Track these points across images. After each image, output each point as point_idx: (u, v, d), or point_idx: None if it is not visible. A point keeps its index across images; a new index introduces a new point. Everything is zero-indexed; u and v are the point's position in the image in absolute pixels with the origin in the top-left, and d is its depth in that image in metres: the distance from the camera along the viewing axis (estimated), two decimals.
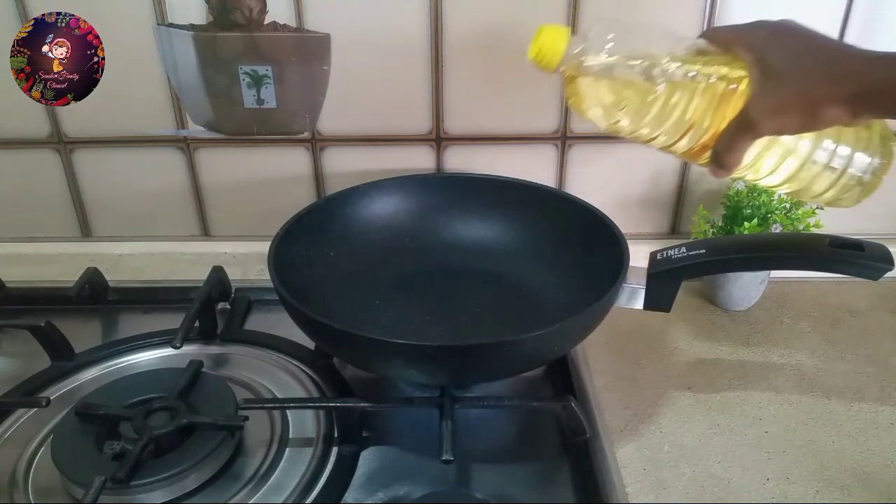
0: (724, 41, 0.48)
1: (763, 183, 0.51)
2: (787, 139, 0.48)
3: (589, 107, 0.50)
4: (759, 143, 0.47)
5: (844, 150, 0.48)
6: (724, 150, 0.47)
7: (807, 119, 0.44)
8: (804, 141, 0.48)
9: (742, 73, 0.46)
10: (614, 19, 0.50)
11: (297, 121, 0.74)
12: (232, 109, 0.73)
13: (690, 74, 0.47)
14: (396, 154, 0.76)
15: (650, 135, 0.50)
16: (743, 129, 0.46)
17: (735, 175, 0.50)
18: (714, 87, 0.47)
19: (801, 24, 0.46)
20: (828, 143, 0.48)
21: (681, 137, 0.49)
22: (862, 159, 0.48)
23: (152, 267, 0.80)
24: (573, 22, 0.69)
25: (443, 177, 0.76)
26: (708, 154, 0.49)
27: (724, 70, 0.47)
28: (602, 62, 0.48)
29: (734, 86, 0.47)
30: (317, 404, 0.60)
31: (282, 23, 0.69)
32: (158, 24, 0.69)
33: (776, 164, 0.50)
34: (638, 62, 0.48)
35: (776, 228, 0.69)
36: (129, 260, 0.80)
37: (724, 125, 0.47)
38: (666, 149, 0.51)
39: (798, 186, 0.50)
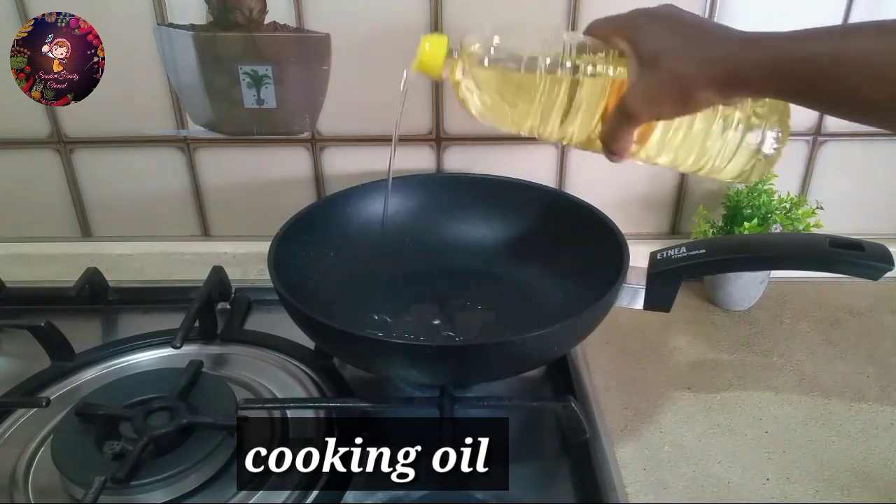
0: (603, 33, 0.49)
1: (661, 162, 0.52)
2: (679, 121, 0.48)
3: (476, 108, 0.51)
4: (656, 127, 0.48)
5: (741, 128, 0.48)
6: (610, 139, 0.48)
7: (680, 104, 0.44)
8: (699, 122, 0.48)
9: (620, 63, 0.47)
10: (500, 23, 0.50)
11: (297, 121, 0.74)
12: (232, 109, 0.73)
13: (569, 67, 0.48)
14: (397, 154, 0.76)
15: (539, 129, 0.51)
16: (622, 118, 0.47)
17: (632, 159, 0.50)
18: (594, 78, 0.48)
19: (678, 9, 0.47)
20: (725, 122, 0.49)
21: (571, 130, 0.50)
22: (760, 135, 0.49)
23: (152, 267, 0.80)
24: (573, 21, 0.69)
25: (443, 177, 0.76)
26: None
27: (603, 61, 0.48)
28: (482, 62, 0.49)
29: (612, 76, 0.48)
30: (317, 404, 0.60)
31: (282, 23, 0.69)
32: (158, 24, 0.69)
33: (669, 145, 0.50)
34: (518, 58, 0.48)
35: (776, 228, 0.69)
36: (129, 260, 0.80)
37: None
38: (561, 140, 0.52)
39: (699, 166, 0.51)
